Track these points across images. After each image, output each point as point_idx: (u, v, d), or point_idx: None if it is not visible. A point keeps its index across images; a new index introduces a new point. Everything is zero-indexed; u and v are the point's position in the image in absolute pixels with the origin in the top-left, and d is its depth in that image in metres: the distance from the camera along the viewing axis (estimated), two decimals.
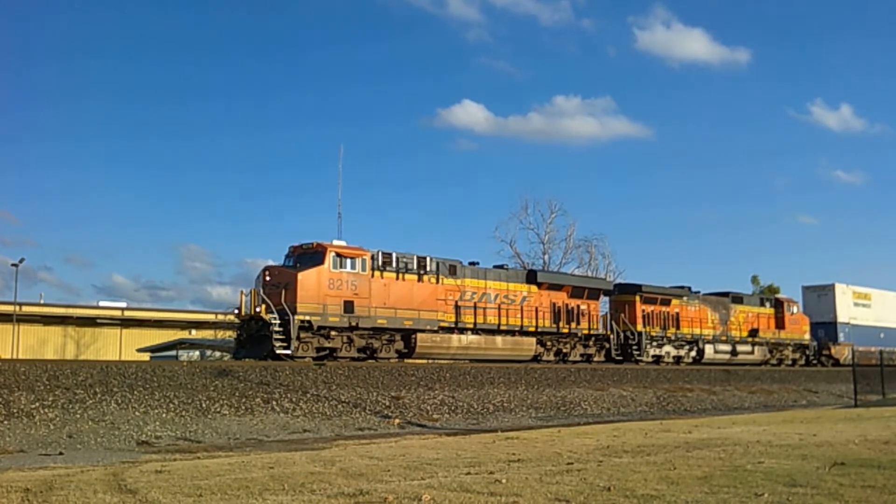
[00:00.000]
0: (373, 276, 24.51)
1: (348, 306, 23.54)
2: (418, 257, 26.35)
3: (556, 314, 30.22)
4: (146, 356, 45.63)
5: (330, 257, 23.42)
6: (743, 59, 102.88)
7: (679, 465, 8.94)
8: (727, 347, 37.70)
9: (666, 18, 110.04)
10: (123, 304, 58.72)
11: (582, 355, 31.54)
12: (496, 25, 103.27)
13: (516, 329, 28.85)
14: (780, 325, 41.03)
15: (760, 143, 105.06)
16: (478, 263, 28.77)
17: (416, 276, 26.04)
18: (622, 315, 33.54)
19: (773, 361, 40.52)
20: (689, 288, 36.84)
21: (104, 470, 9.83)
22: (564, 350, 30.97)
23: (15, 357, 40.70)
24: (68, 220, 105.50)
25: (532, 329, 29.26)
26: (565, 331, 30.67)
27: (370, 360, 24.69)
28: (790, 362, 41.49)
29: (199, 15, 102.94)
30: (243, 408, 18.29)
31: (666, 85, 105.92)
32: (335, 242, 24.13)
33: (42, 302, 56.30)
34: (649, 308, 34.18)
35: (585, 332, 31.57)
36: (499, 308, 28.25)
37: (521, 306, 29.12)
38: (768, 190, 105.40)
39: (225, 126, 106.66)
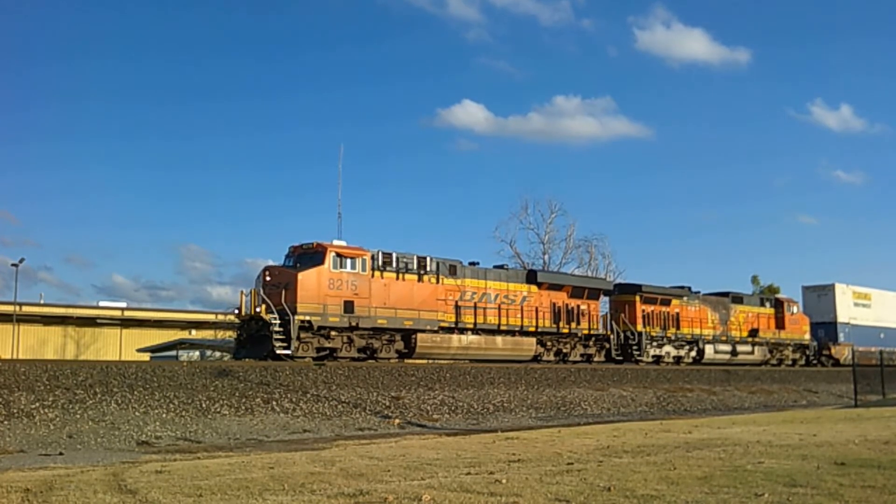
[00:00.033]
0: (373, 276, 24.51)
1: (348, 306, 23.54)
2: (418, 257, 26.34)
3: (556, 314, 30.22)
4: (146, 356, 45.63)
5: (330, 257, 23.42)
6: (743, 59, 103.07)
7: (679, 465, 8.94)
8: (727, 347, 37.69)
9: (666, 18, 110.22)
10: (123, 304, 58.75)
11: (582, 355, 31.54)
12: (496, 25, 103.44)
13: (516, 329, 28.85)
14: (780, 325, 41.03)
15: (760, 143, 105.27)
16: (478, 263, 28.78)
17: (416, 276, 26.03)
18: (622, 315, 33.54)
19: (773, 361, 40.51)
20: (689, 288, 36.85)
21: (104, 470, 9.83)
22: (564, 350, 30.97)
23: (15, 357, 40.71)
24: (68, 220, 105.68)
25: (532, 329, 29.26)
26: (565, 331, 30.66)
27: (370, 361, 24.69)
28: (790, 362, 41.48)
29: (199, 15, 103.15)
30: (243, 408, 18.29)
31: (666, 85, 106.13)
32: (335, 242, 24.13)
33: (42, 302, 56.30)
34: (649, 308, 34.17)
35: (585, 332, 31.57)
36: (499, 308, 28.25)
37: (521, 306, 29.12)
38: (768, 190, 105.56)
39: (225, 126, 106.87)
